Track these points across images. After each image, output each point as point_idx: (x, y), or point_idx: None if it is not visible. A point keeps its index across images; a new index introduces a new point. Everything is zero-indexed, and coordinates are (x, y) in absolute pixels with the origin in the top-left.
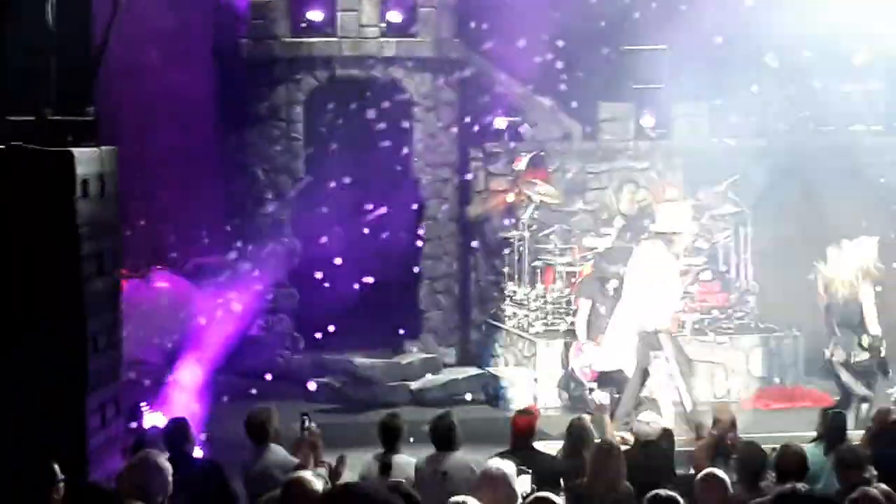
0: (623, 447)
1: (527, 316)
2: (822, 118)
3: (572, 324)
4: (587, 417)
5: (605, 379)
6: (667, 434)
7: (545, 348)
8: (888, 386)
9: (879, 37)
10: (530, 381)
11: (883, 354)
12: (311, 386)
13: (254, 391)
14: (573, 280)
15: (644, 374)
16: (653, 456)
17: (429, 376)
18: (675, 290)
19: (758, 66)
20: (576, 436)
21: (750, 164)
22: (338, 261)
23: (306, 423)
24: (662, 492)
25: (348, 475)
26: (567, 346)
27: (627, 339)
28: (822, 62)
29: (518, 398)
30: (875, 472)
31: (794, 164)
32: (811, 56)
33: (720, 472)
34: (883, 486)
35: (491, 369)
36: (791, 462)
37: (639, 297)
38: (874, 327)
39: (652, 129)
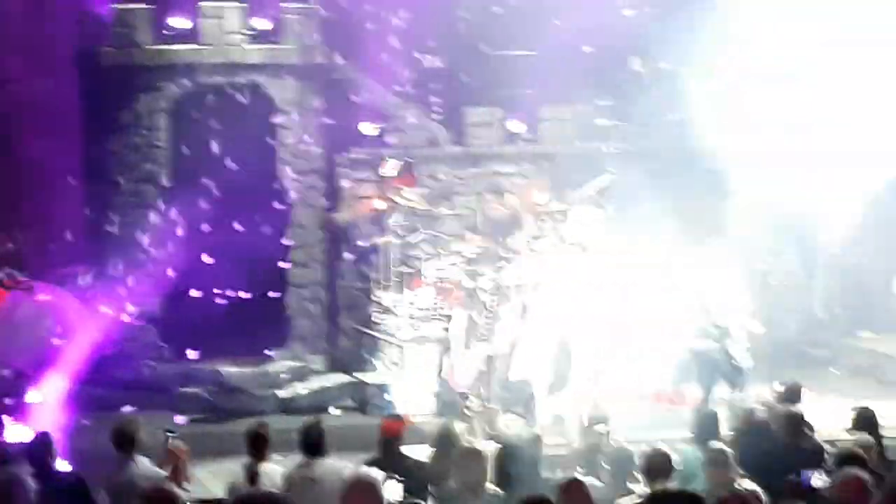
0: (490, 451)
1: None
2: (688, 121)
3: (445, 330)
4: (456, 423)
5: (511, 387)
6: (534, 439)
7: (415, 354)
8: (752, 383)
9: (746, 41)
10: (400, 387)
11: (733, 347)
12: (179, 420)
13: (120, 402)
14: (442, 286)
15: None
16: (517, 460)
17: (297, 384)
18: (590, 297)
19: (624, 70)
20: (443, 441)
21: (617, 168)
22: (207, 261)
23: (170, 440)
24: (536, 495)
25: (216, 484)
26: (443, 352)
27: (540, 348)
28: (687, 66)
29: (388, 404)
30: (742, 471)
31: (661, 168)
32: (677, 60)
33: (583, 478)
34: (749, 484)
35: (360, 376)
36: (657, 463)
37: (553, 304)
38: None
39: (520, 133)
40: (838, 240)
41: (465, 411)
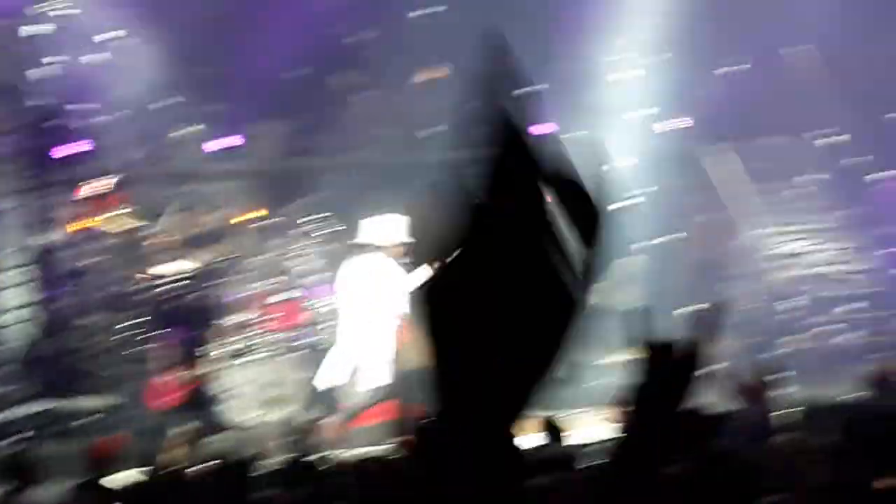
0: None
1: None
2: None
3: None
4: (165, 444)
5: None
6: (250, 455)
7: (126, 376)
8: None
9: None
10: (112, 410)
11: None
12: None
13: None
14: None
15: None
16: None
17: (3, 411)
18: (391, 300)
19: (328, 87)
20: (152, 464)
21: (333, 181)
22: None
23: None
24: None
25: None
26: (153, 373)
27: (350, 354)
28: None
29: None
30: None
31: (372, 178)
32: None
33: None
34: None
35: (70, 401)
36: None
37: (355, 311)
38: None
39: (227, 150)
40: None
41: (174, 433)
